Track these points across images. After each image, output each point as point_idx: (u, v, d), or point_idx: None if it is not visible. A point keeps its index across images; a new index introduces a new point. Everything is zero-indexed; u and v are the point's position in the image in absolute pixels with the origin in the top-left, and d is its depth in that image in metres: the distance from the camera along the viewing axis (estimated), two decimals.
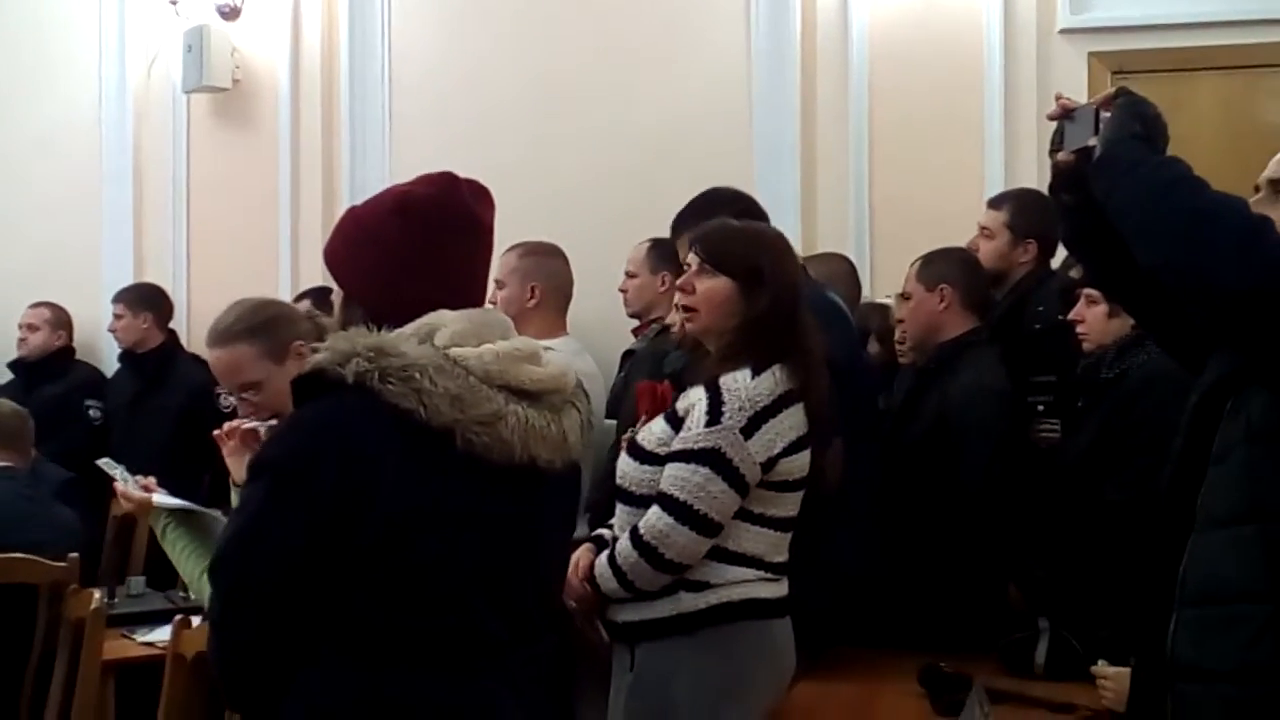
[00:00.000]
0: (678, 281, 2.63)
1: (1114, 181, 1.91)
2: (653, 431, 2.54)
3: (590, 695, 2.98)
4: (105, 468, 2.96)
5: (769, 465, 2.45)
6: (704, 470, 2.41)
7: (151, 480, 2.83)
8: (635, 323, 4.19)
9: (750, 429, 2.42)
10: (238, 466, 2.37)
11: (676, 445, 2.46)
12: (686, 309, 2.59)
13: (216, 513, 2.77)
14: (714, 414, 2.42)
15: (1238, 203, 1.83)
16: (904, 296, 3.55)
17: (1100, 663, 2.56)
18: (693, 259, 2.60)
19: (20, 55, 5.84)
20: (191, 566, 2.67)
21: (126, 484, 2.87)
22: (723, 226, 2.69)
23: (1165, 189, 1.85)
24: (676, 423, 2.49)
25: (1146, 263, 1.87)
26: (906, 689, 2.77)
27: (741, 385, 2.44)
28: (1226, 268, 1.75)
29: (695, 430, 2.43)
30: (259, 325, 2.55)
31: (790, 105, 4.74)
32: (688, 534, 2.42)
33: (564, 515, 2.08)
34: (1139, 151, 1.92)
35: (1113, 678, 2.51)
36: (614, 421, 3.53)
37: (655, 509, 2.44)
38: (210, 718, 2.52)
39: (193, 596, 2.76)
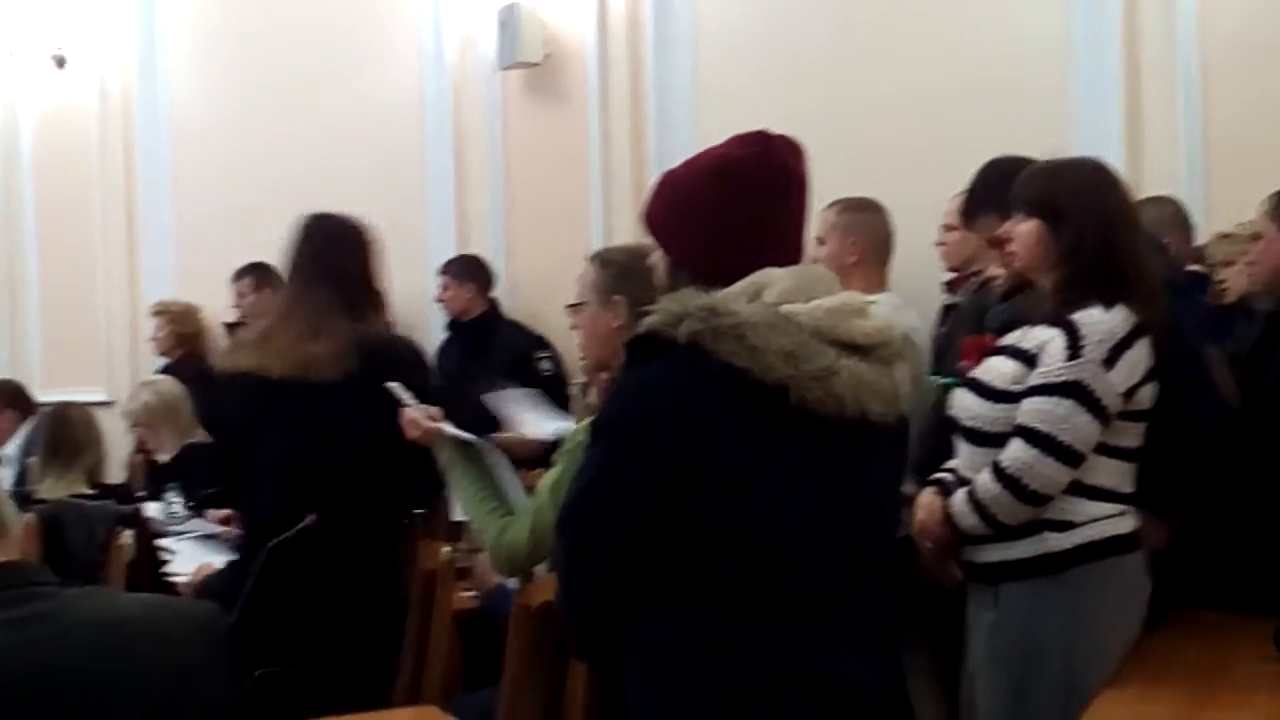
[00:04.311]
0: (999, 229, 2.65)
1: None
2: (1000, 370, 2.54)
3: (912, 641, 2.97)
4: (396, 392, 3.00)
5: (1130, 393, 2.47)
6: (1067, 403, 2.42)
7: (438, 410, 2.94)
8: (948, 277, 4.09)
9: (1111, 359, 2.44)
10: None
11: (1035, 380, 2.47)
12: (1009, 253, 2.65)
13: (495, 449, 2.86)
14: (1074, 348, 2.44)
15: None
16: (1254, 236, 3.33)
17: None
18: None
19: (348, 38, 6.23)
20: (470, 497, 2.79)
21: (415, 409, 2.94)
22: (1031, 168, 2.69)
23: None
24: (1028, 359, 2.50)
25: None
26: (1263, 653, 2.62)
27: (1098, 319, 2.46)
28: None
29: (1054, 365, 2.45)
30: (620, 263, 2.64)
31: (1111, 33, 4.45)
32: (1052, 464, 2.43)
33: (895, 468, 2.07)
34: None
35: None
36: (937, 377, 3.47)
37: (1017, 442, 2.45)
38: (554, 666, 2.62)
39: (473, 528, 2.88)
